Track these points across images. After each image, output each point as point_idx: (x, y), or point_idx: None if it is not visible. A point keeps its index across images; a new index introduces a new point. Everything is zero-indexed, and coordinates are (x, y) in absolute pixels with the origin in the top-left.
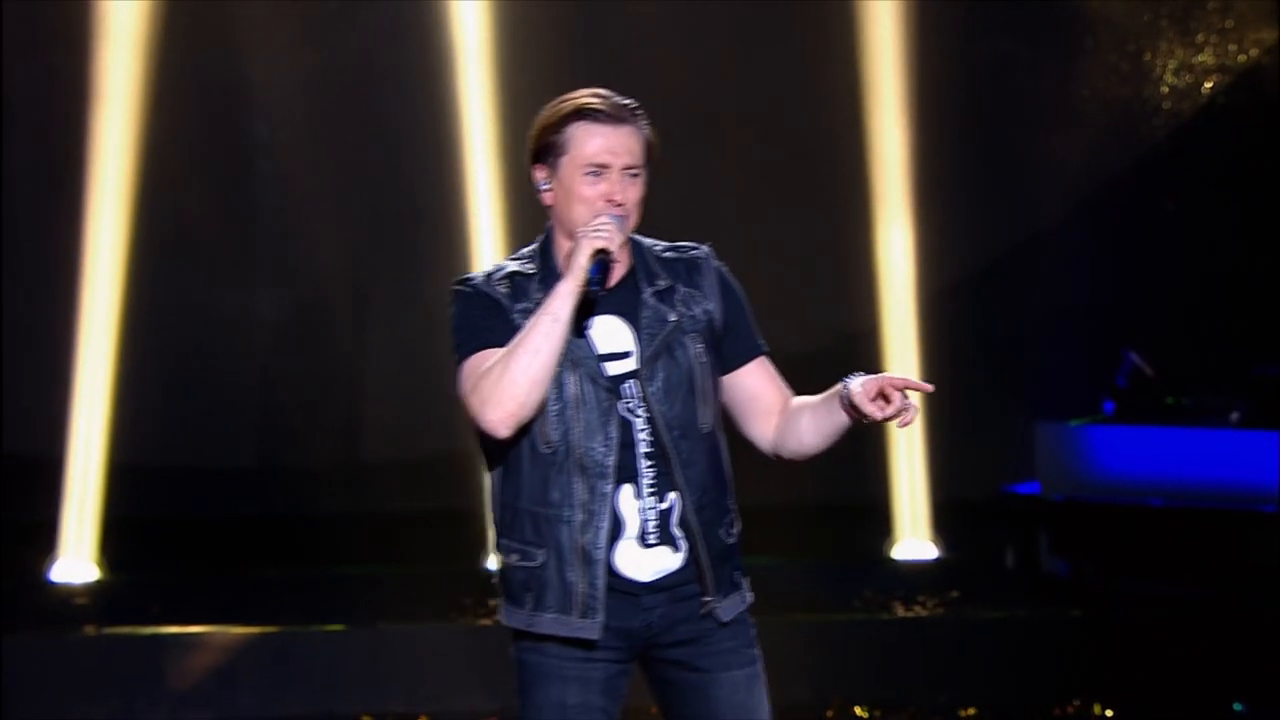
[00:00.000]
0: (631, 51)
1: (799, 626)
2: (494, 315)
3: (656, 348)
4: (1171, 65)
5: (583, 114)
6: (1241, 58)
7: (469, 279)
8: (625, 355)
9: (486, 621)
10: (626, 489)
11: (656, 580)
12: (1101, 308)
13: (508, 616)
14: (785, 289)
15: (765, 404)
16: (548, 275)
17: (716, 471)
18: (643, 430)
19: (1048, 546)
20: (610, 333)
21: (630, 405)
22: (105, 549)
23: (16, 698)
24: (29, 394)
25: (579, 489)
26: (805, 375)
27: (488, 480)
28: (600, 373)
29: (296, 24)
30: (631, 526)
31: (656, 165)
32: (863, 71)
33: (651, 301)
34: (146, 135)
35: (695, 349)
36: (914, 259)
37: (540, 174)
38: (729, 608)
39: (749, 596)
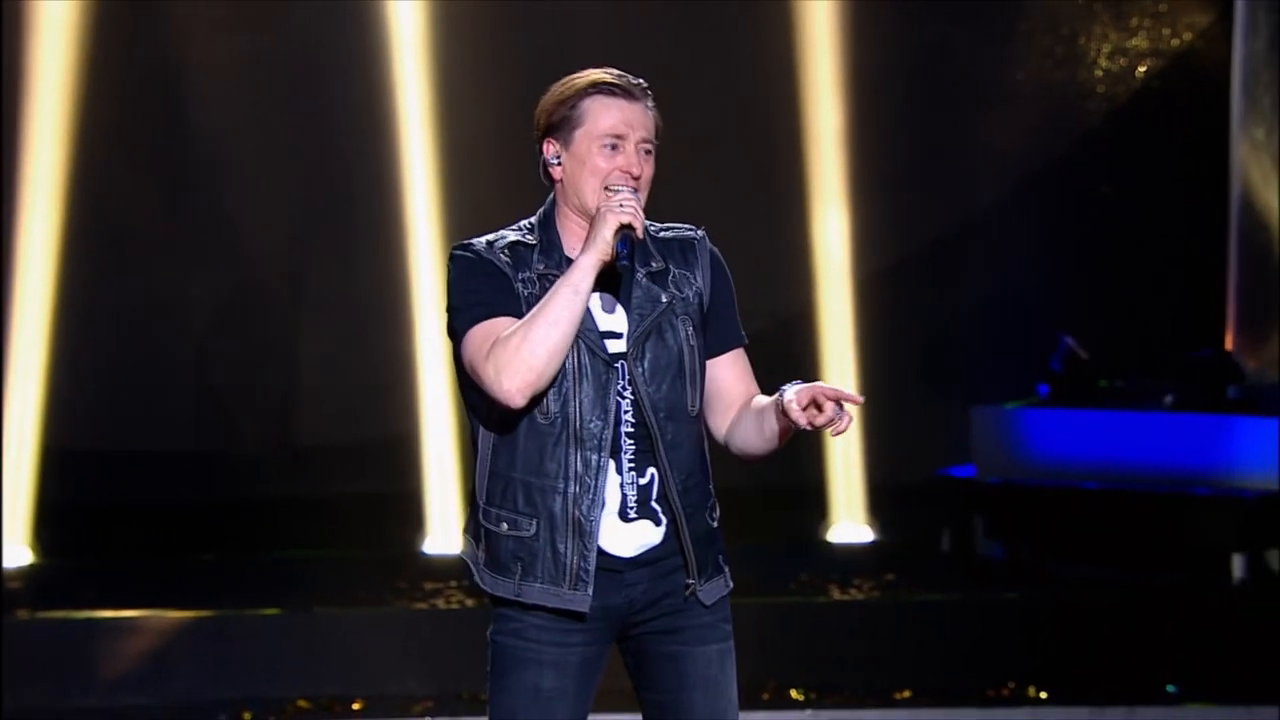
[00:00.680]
0: (567, 36)
1: (735, 609)
2: (497, 282)
3: (647, 328)
4: (1106, 49)
5: (599, 88)
6: (1175, 41)
7: (470, 244)
8: (619, 335)
9: (423, 606)
10: (609, 463)
11: (639, 555)
12: (1036, 291)
13: (491, 585)
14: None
15: (731, 397)
16: (549, 247)
17: (701, 455)
18: (627, 411)
19: (983, 529)
20: (604, 310)
21: (619, 385)
22: (39, 533)
23: None
24: None
25: (574, 461)
26: None
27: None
28: (602, 347)
29: (231, 6)
30: (612, 502)
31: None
32: (797, 56)
33: (644, 282)
34: (79, 118)
35: (685, 331)
36: (849, 243)
37: (551, 148)
38: (711, 590)
39: (730, 583)
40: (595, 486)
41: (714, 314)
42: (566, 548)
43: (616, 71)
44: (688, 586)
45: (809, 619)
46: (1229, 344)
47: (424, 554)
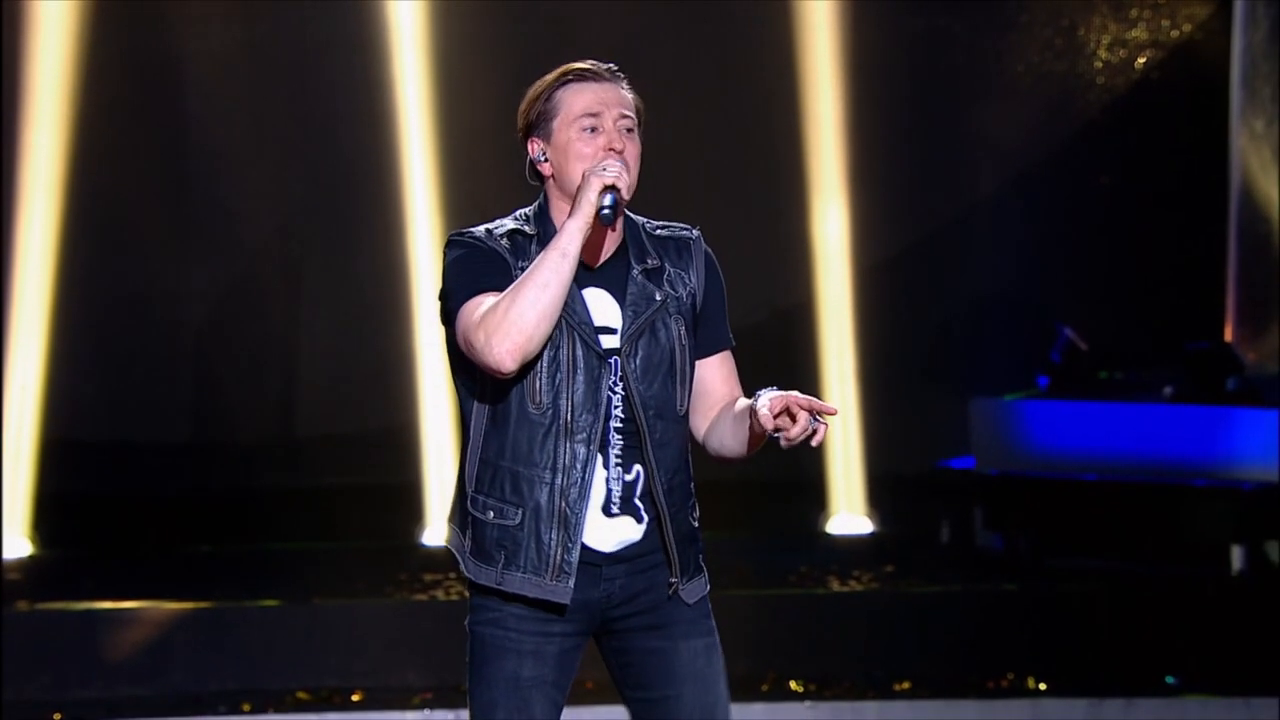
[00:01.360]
0: (566, 26)
1: (735, 601)
2: (496, 265)
3: (640, 325)
4: (1105, 40)
5: (568, 76)
6: (1175, 33)
7: (468, 231)
8: (613, 330)
9: (422, 597)
10: (598, 458)
11: (618, 551)
12: (1035, 283)
13: (475, 573)
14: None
15: (714, 399)
16: (546, 239)
17: (686, 455)
18: (617, 407)
19: (982, 521)
20: (599, 305)
21: (609, 380)
22: (38, 524)
23: None
24: None
25: (564, 453)
26: (740, 351)
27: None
28: (596, 342)
29: None
30: (597, 496)
31: (647, 130)
32: (797, 48)
33: (639, 279)
34: (79, 109)
35: (678, 330)
36: (848, 235)
37: (535, 147)
38: (693, 590)
39: (708, 582)
40: (583, 479)
41: (705, 315)
42: (551, 539)
43: (589, 61)
44: (670, 585)
45: (808, 610)
46: (1228, 336)
47: (423, 545)
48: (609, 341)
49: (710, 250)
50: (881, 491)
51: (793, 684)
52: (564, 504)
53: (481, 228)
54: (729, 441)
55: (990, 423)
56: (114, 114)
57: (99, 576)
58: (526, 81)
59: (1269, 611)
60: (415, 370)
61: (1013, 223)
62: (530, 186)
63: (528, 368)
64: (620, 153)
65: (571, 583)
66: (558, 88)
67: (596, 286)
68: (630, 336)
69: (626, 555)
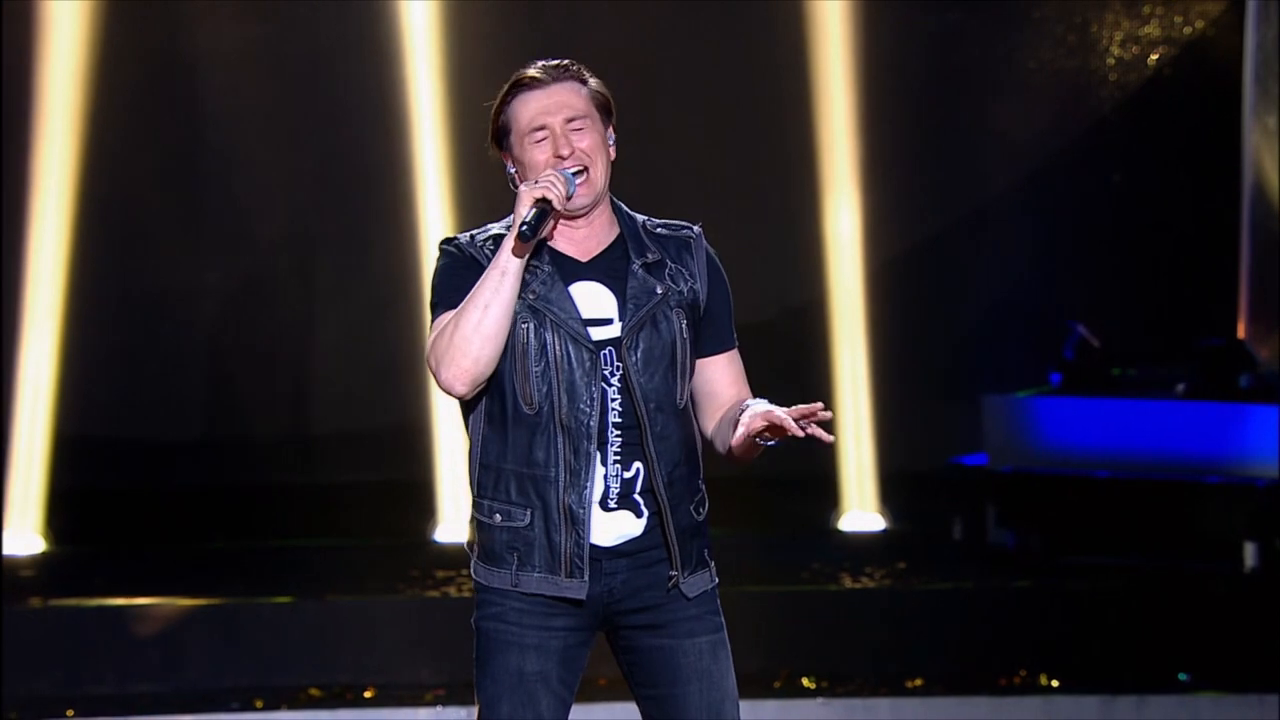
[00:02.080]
0: (579, 27)
1: (747, 598)
2: (469, 277)
3: (641, 317)
4: (1118, 37)
5: (516, 87)
6: (1188, 30)
7: (454, 239)
8: (607, 322)
9: (434, 594)
10: (597, 453)
11: (617, 545)
12: (1048, 280)
13: (488, 578)
14: (731, 262)
15: (720, 400)
16: (539, 245)
17: (688, 448)
18: (615, 400)
19: (994, 518)
20: (592, 298)
21: (605, 372)
22: (51, 521)
23: None
24: None
25: (564, 449)
26: (752, 349)
27: (463, 444)
28: (584, 335)
29: None
30: (595, 490)
31: (621, 116)
32: (809, 45)
33: (640, 273)
34: (91, 107)
35: (679, 323)
36: (861, 232)
37: (507, 160)
38: (694, 583)
39: (716, 578)
40: (585, 474)
41: (709, 315)
42: (561, 536)
43: (541, 61)
44: (670, 578)
45: (821, 607)
46: (1241, 332)
47: (435, 542)
48: (600, 333)
49: (712, 249)
50: (894, 488)
51: (805, 681)
52: (569, 500)
53: (467, 234)
54: (731, 444)
55: (1003, 419)
56: (127, 113)
57: (111, 573)
58: None
59: None
60: (427, 368)
61: (1025, 220)
62: None
63: (518, 370)
64: (568, 156)
65: (585, 577)
66: (509, 100)
67: (589, 279)
68: (631, 329)
69: (627, 550)
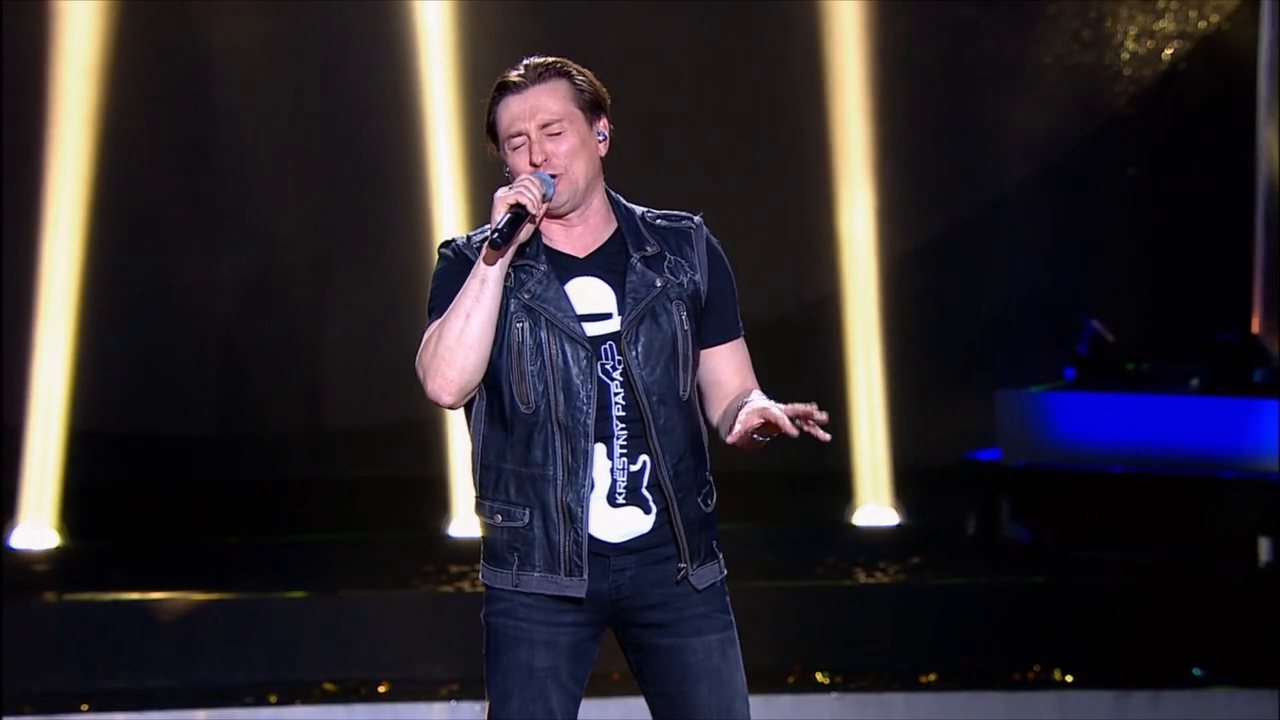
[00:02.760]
0: (592, 22)
1: (761, 593)
2: (465, 278)
3: (641, 311)
4: (1133, 31)
5: (499, 90)
6: (1202, 24)
7: (452, 241)
8: (606, 316)
9: (448, 589)
10: (599, 448)
11: (626, 542)
12: (1062, 275)
13: (492, 578)
14: (746, 256)
15: (726, 390)
16: (535, 244)
17: (694, 440)
18: (618, 394)
19: (1008, 513)
20: (591, 293)
21: (607, 367)
22: (65, 516)
23: None
24: None
25: (561, 447)
26: (766, 342)
27: (467, 444)
28: (579, 332)
29: None
30: (601, 486)
31: (635, 111)
32: (824, 38)
33: (639, 266)
34: (105, 101)
35: (679, 316)
36: (875, 226)
37: (503, 159)
38: (704, 575)
39: (724, 569)
40: (582, 472)
41: (711, 304)
42: (560, 536)
43: (526, 61)
44: (679, 570)
45: (834, 602)
46: (1255, 327)
47: (449, 537)
48: (599, 328)
49: (713, 239)
50: (908, 483)
51: (819, 676)
52: (568, 499)
53: (465, 236)
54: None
55: (1017, 414)
56: (141, 108)
57: (126, 568)
58: None
59: None
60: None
61: (1039, 214)
62: None
63: (514, 369)
64: (541, 164)
65: (585, 576)
66: (493, 106)
67: (587, 275)
68: (631, 322)
69: (635, 546)
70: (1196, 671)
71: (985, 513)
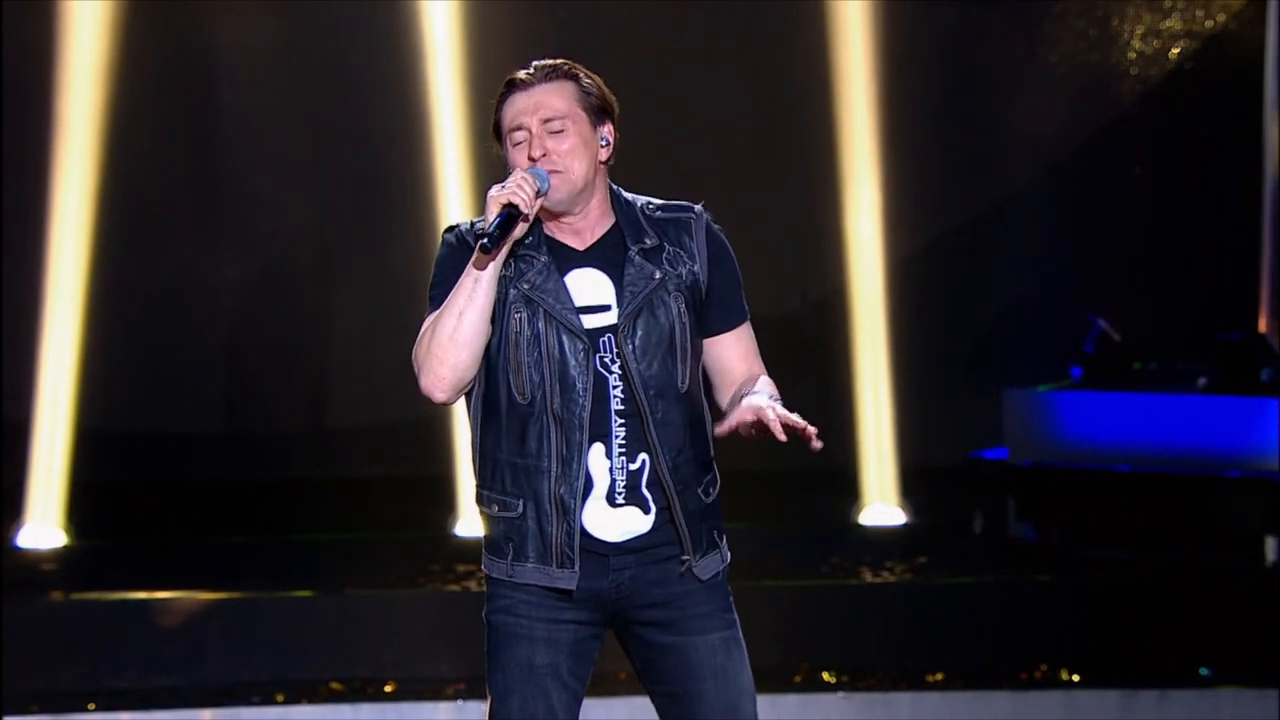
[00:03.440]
0: (600, 21)
1: (767, 592)
2: (460, 272)
3: (639, 304)
4: (1139, 31)
5: (506, 87)
6: (1209, 23)
7: (455, 227)
8: (604, 309)
9: (455, 588)
10: (597, 447)
11: (625, 541)
12: (1069, 274)
13: (489, 566)
14: (753, 254)
15: (732, 376)
16: (529, 228)
17: (695, 431)
18: (616, 386)
19: (1015, 512)
20: (590, 285)
21: (605, 359)
22: (71, 514)
23: None
24: None
25: (555, 439)
26: (773, 341)
27: (469, 435)
28: (576, 324)
29: None
30: (600, 485)
31: (642, 111)
32: (830, 37)
33: (637, 259)
34: (111, 100)
35: (678, 308)
36: (881, 225)
37: (506, 157)
38: (707, 565)
39: (727, 555)
40: (576, 465)
41: (714, 292)
42: (552, 527)
43: (535, 62)
44: (683, 563)
45: (841, 602)
46: (1262, 326)
47: (456, 536)
48: (598, 320)
49: (715, 226)
50: (914, 482)
51: (825, 675)
52: (561, 491)
53: (469, 221)
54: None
55: (1023, 414)
56: (147, 107)
57: (132, 567)
58: None
59: None
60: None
61: (1046, 214)
62: None
63: (511, 360)
64: (539, 159)
65: (576, 568)
66: (501, 101)
67: (587, 266)
68: (628, 316)
69: (635, 546)
70: (1203, 671)
71: (991, 512)
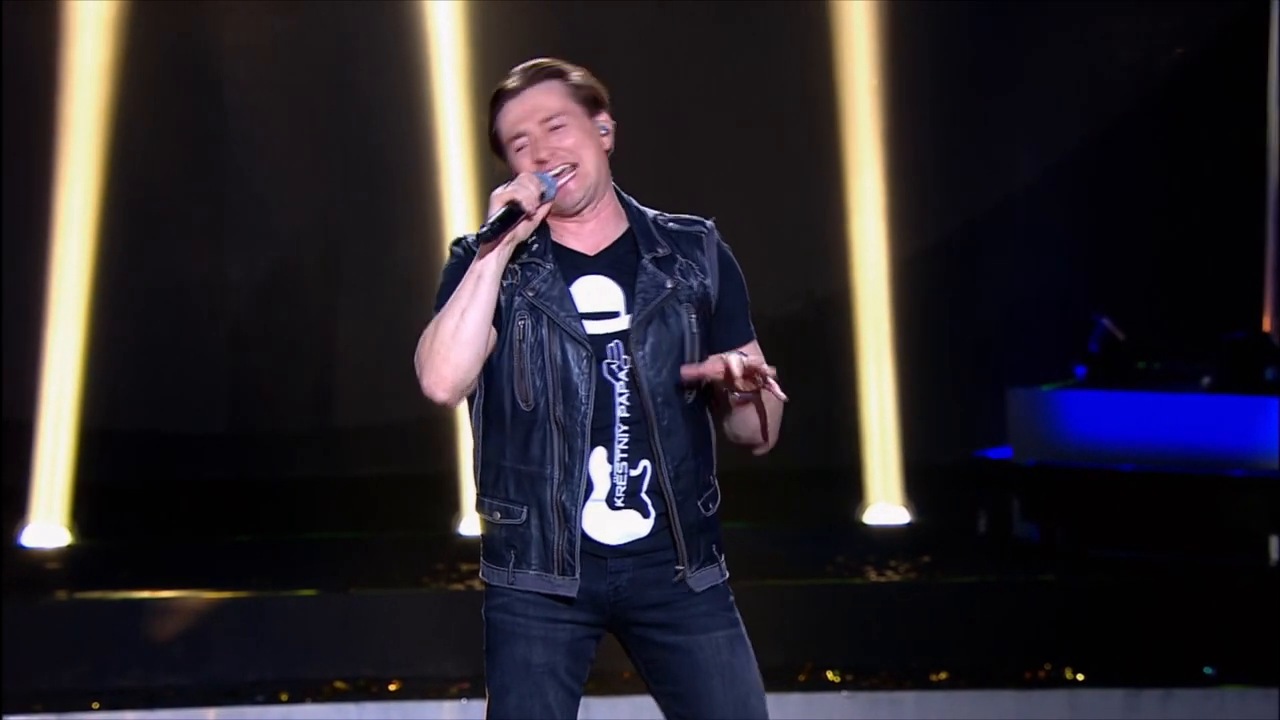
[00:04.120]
0: (604, 21)
1: (771, 592)
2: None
3: (650, 312)
4: (1144, 30)
5: (497, 98)
6: (1213, 22)
7: (463, 238)
8: (613, 315)
9: (459, 587)
10: (599, 451)
11: (624, 545)
12: (1073, 273)
13: (489, 575)
14: (757, 254)
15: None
16: (535, 234)
17: (698, 443)
18: (622, 393)
19: (1019, 511)
20: (599, 292)
21: (612, 366)
22: (76, 514)
23: None
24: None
25: (558, 446)
26: (777, 340)
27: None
28: (579, 331)
29: None
30: (600, 489)
31: (646, 111)
32: (834, 37)
33: (650, 267)
34: (116, 99)
35: (689, 318)
36: (886, 224)
37: (509, 168)
38: (702, 578)
39: (725, 573)
40: (578, 472)
41: (722, 311)
42: (554, 534)
43: (523, 65)
44: (677, 573)
45: (845, 601)
46: (1265, 326)
47: (460, 535)
48: (605, 326)
49: (724, 244)
50: (918, 481)
51: (829, 674)
52: (563, 498)
53: (475, 233)
54: (741, 431)
55: (1028, 413)
56: (152, 106)
57: (136, 566)
58: None
59: None
60: None
61: (1050, 213)
62: None
63: (515, 367)
64: (548, 159)
65: (577, 575)
66: (495, 112)
67: (597, 273)
68: (640, 323)
69: (633, 550)
70: (1208, 670)
71: (996, 511)
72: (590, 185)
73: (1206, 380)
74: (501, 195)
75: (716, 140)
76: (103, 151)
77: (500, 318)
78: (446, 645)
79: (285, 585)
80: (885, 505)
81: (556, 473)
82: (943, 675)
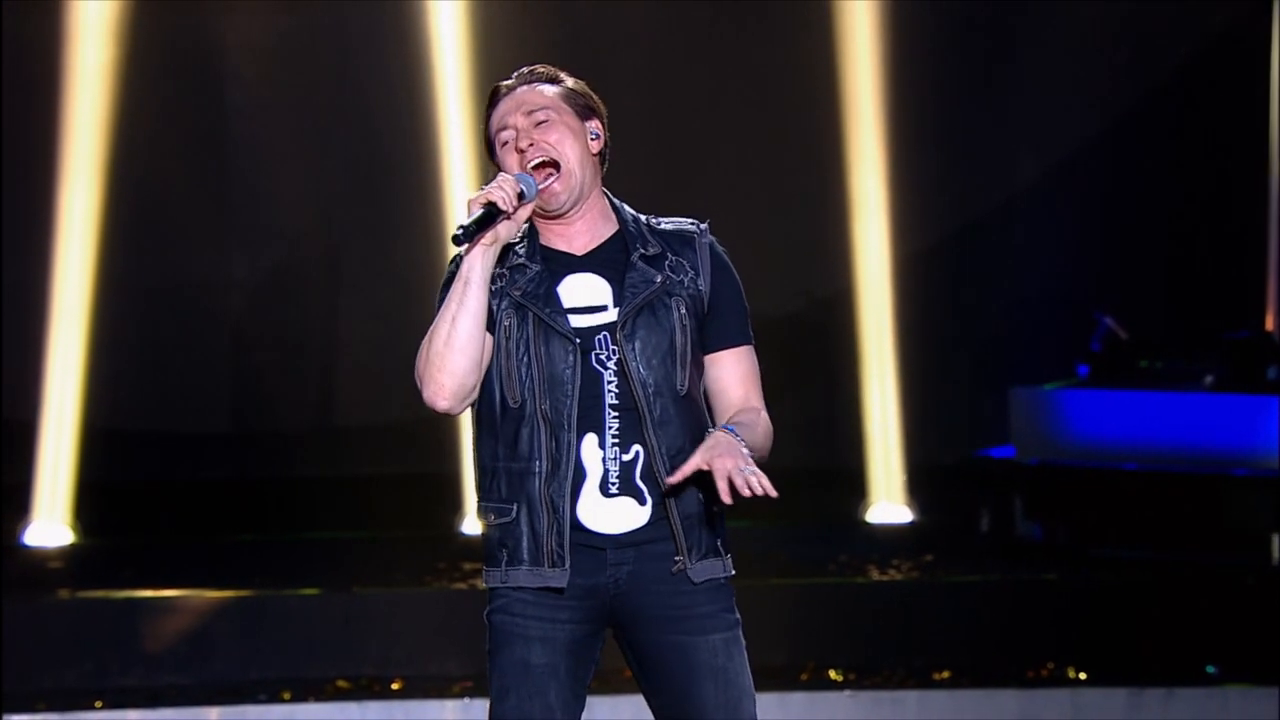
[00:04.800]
0: (606, 20)
1: (774, 590)
2: None
3: (639, 305)
4: (1146, 30)
5: (491, 99)
6: (1216, 21)
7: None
8: (600, 309)
9: (461, 586)
10: (590, 438)
11: (622, 535)
12: (1075, 272)
13: (488, 577)
14: (760, 254)
15: (728, 398)
16: (525, 237)
17: (695, 434)
18: (611, 381)
19: (1022, 510)
20: (586, 288)
21: (601, 357)
22: (79, 513)
23: None
24: (2, 358)
25: (545, 439)
26: (779, 339)
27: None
28: (565, 325)
29: None
30: (593, 475)
31: (649, 112)
32: (837, 36)
33: (639, 264)
34: (119, 99)
35: (679, 312)
36: (888, 223)
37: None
38: (702, 569)
39: (730, 569)
40: (565, 464)
41: (715, 311)
42: (542, 526)
43: (515, 72)
44: (676, 563)
45: (848, 600)
46: (1269, 324)
47: (462, 534)
48: (592, 319)
49: (718, 246)
50: (921, 480)
51: (832, 673)
52: (550, 490)
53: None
54: None
55: (1030, 412)
56: (154, 105)
57: (139, 565)
58: (568, 69)
59: None
60: None
61: (1052, 212)
62: None
63: (503, 365)
64: (529, 148)
65: (566, 565)
66: (488, 116)
67: (584, 271)
68: (629, 315)
69: (633, 540)
70: (1210, 669)
71: (998, 510)
72: (575, 186)
73: (1209, 379)
74: (477, 198)
75: (716, 140)
76: (104, 151)
77: (490, 320)
78: (449, 644)
79: (288, 584)
80: (888, 504)
81: (544, 466)
82: (945, 674)
